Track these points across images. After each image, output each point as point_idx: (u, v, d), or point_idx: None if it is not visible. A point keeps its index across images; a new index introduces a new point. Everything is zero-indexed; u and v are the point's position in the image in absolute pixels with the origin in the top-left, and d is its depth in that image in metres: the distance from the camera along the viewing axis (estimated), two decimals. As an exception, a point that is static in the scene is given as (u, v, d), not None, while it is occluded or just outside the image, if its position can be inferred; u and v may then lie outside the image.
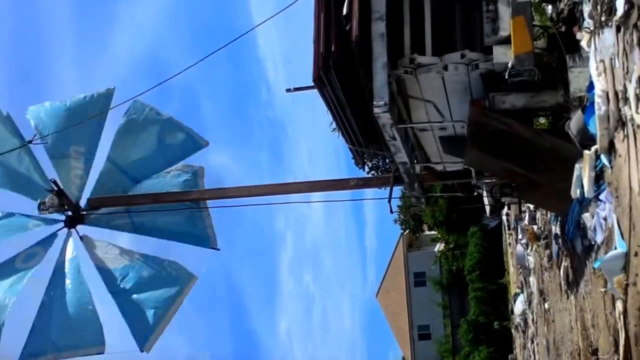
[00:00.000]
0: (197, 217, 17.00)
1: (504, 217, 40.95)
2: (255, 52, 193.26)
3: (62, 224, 16.54)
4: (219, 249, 16.96)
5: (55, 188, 15.92)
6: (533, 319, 26.58)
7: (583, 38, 10.57)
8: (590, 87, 10.19)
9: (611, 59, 9.40)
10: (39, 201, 15.97)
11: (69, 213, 16.42)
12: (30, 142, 15.67)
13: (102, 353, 15.88)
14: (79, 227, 16.66)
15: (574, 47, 10.97)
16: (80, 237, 16.55)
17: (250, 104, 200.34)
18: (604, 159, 10.12)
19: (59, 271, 16.13)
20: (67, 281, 16.00)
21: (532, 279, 24.51)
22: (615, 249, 9.70)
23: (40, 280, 16.17)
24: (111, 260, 16.38)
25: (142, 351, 15.73)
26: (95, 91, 16.60)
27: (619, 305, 9.75)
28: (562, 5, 12.10)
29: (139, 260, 16.41)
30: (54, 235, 16.46)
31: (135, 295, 16.02)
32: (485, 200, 18.25)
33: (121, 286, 16.10)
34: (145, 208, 16.78)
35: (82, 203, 16.62)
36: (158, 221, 16.92)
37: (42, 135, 15.93)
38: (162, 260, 16.49)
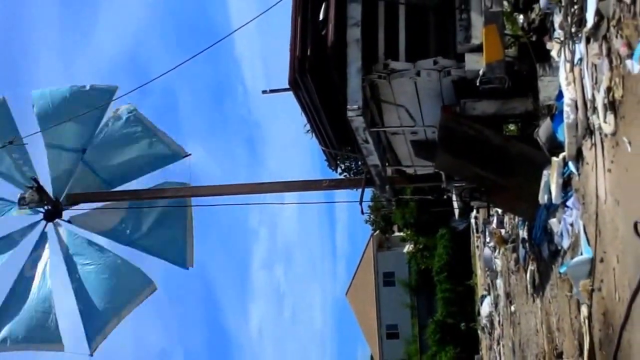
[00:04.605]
0: (179, 234, 16.97)
1: (473, 220, 41.13)
2: (232, 52, 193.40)
3: (42, 216, 16.69)
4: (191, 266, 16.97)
5: (36, 185, 16.02)
6: (499, 321, 26.76)
7: (553, 48, 10.73)
8: (560, 95, 10.36)
9: (580, 69, 9.56)
10: (19, 196, 16.09)
11: (49, 207, 16.50)
12: (10, 142, 15.70)
13: (62, 350, 16.11)
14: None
15: (545, 57, 11.12)
16: (57, 230, 16.64)
17: (227, 103, 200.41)
18: (571, 166, 10.31)
19: (32, 263, 16.29)
20: (36, 277, 16.17)
21: (499, 282, 24.68)
22: (581, 254, 9.86)
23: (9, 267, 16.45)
24: (79, 251, 16.53)
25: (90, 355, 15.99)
26: (96, 85, 16.60)
27: (584, 309, 9.91)
28: (533, 16, 12.22)
29: (103, 256, 16.55)
30: (32, 226, 16.57)
31: (91, 291, 16.18)
32: (455, 204, 18.40)
33: (80, 277, 16.28)
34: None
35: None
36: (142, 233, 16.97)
37: (41, 121, 16.08)
38: (126, 263, 16.58)
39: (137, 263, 17.03)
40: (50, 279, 16.41)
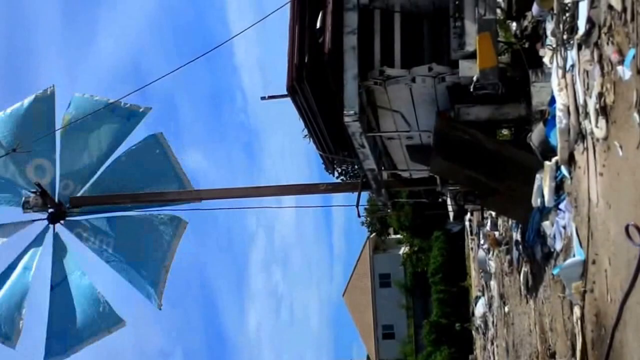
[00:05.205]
0: (156, 271, 16.82)
1: (467, 223, 41.24)
2: (232, 60, 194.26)
3: (45, 215, 16.88)
4: (160, 309, 16.89)
5: (39, 189, 16.14)
6: (493, 322, 26.81)
7: (545, 55, 10.84)
8: (552, 101, 10.49)
9: (572, 75, 9.69)
10: (23, 199, 16.24)
11: (52, 210, 16.64)
12: (14, 150, 15.80)
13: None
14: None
15: (537, 63, 11.25)
16: (55, 234, 16.77)
17: (226, 109, 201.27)
18: (564, 170, 10.44)
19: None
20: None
21: (493, 283, 24.75)
22: (574, 256, 9.96)
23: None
24: (69, 265, 16.61)
25: None
26: (132, 103, 16.70)
27: (577, 310, 10.02)
28: (526, 23, 12.28)
29: (83, 281, 16.58)
30: (29, 222, 16.72)
31: (65, 310, 16.29)
32: (449, 207, 18.52)
33: (60, 288, 16.34)
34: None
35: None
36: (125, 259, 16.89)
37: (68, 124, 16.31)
38: (101, 297, 16.54)
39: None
40: (31, 279, 16.46)
